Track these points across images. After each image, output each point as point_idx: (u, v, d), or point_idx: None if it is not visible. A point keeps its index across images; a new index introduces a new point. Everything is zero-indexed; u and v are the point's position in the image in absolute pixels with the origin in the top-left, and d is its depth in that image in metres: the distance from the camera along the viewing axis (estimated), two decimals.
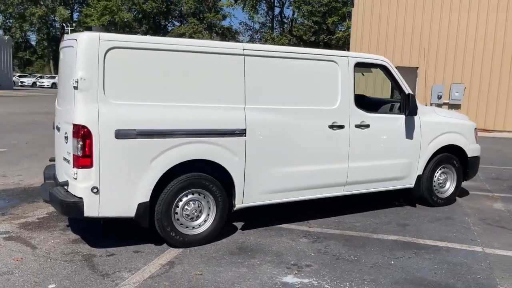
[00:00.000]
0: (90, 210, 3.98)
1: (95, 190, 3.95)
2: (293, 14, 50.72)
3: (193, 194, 4.44)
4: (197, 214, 4.48)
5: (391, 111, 5.90)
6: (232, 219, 5.26)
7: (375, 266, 4.18)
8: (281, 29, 53.34)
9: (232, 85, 4.53)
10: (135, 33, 52.61)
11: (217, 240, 4.64)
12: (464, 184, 6.85)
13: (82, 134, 3.87)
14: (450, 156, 6.18)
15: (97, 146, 3.91)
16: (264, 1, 52.42)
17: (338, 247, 4.61)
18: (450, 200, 6.29)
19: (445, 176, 6.22)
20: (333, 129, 5.10)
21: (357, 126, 5.27)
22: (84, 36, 3.94)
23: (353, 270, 4.06)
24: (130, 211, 4.14)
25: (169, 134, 4.19)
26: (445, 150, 6.11)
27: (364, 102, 5.89)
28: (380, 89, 17.25)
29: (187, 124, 4.28)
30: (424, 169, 5.93)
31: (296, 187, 5.00)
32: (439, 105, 16.81)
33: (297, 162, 4.93)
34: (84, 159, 3.90)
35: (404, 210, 6.00)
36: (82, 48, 3.90)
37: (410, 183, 5.86)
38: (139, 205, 4.14)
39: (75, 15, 63.53)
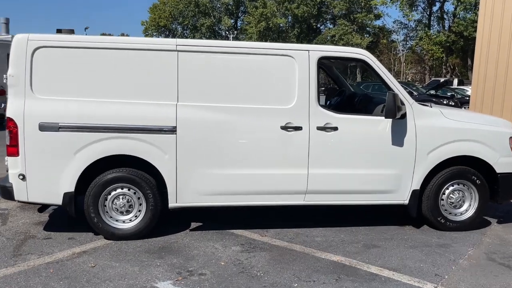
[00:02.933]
0: (19, 195, 4.39)
1: (21, 177, 4.35)
2: (455, 9, 45.96)
3: (122, 189, 4.53)
4: (126, 209, 4.55)
5: (382, 112, 5.05)
6: (192, 218, 5.19)
7: (271, 285, 3.68)
8: (440, 25, 48.90)
9: (163, 82, 4.46)
10: (288, 37, 54.45)
11: (151, 237, 4.63)
12: None
13: (10, 125, 4.30)
14: (467, 170, 4.97)
15: (22, 137, 4.30)
16: None
17: (260, 260, 4.17)
18: (467, 224, 5.05)
19: (461, 194, 5.03)
20: (287, 131, 4.60)
21: (321, 128, 4.65)
22: (16, 37, 4.37)
23: (240, 287, 3.65)
24: (57, 199, 4.43)
25: (93, 129, 4.36)
26: (460, 162, 4.96)
27: (352, 101, 5.16)
28: None
29: (112, 119, 4.38)
30: (424, 183, 4.91)
31: (241, 191, 4.66)
32: None
33: (240, 164, 4.60)
34: (11, 148, 4.33)
35: (396, 231, 5.06)
36: (13, 48, 4.33)
37: (401, 198, 4.91)
38: (65, 194, 4.40)
39: (239, 23, 68.59)
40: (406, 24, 51.59)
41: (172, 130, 4.45)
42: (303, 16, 54.33)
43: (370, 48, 47.52)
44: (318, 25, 59.61)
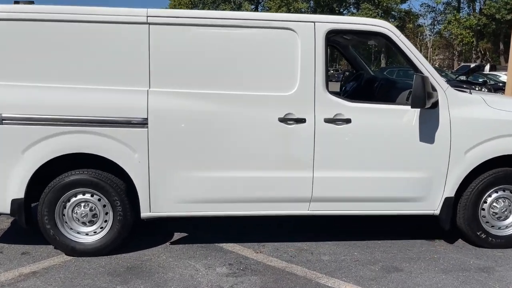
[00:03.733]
0: None
1: None
2: None
3: (83, 194, 3.70)
4: (89, 219, 3.73)
5: (407, 100, 4.07)
6: (176, 227, 4.34)
7: None
8: (470, 8, 46.53)
9: (132, 63, 3.58)
10: None
11: (122, 253, 3.81)
12: None
13: None
14: None
15: None
16: None
17: None
18: None
19: (507, 203, 4.02)
20: (286, 124, 3.67)
21: (329, 120, 3.70)
22: None
23: None
24: (4, 207, 3.63)
25: (44, 121, 3.51)
26: (507, 163, 3.95)
27: (370, 87, 4.19)
28: None
29: (67, 110, 3.53)
30: (460, 189, 3.92)
31: (230, 198, 3.77)
32: None
33: (228, 165, 3.70)
34: None
35: (423, 247, 4.09)
36: None
37: (431, 208, 3.93)
38: (13, 201, 3.60)
39: (259, 8, 67.13)
40: (434, 7, 49.41)
41: (143, 123, 3.58)
42: (325, 0, 52.59)
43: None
44: (341, 10, 57.62)
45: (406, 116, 3.78)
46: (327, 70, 3.72)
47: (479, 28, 43.13)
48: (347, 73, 6.37)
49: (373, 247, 4.08)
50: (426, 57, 52.65)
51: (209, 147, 3.66)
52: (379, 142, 3.77)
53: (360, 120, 3.74)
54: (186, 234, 4.27)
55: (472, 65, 26.81)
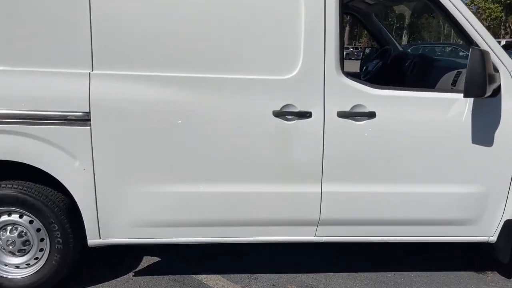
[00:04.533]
0: None
1: None
2: None
3: (9, 215, 2.74)
4: (19, 247, 2.77)
5: (455, 85, 2.96)
6: (146, 250, 3.37)
7: None
8: None
9: (65, 33, 2.55)
10: None
11: None
12: None
13: None
14: None
15: None
16: None
17: None
18: None
19: None
20: (284, 119, 2.63)
21: (345, 114, 2.63)
22: None
23: None
24: None
25: None
26: None
27: (400, 68, 3.09)
28: None
29: None
30: None
31: (207, 221, 2.77)
32: None
33: (204, 177, 2.68)
34: None
35: (469, 279, 3.04)
36: None
37: (484, 233, 2.86)
38: None
39: None
40: None
41: (83, 119, 2.57)
42: None
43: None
44: None
45: (454, 108, 2.68)
46: (342, 43, 2.63)
47: (508, 2, 40.79)
48: (368, 50, 5.23)
49: (402, 282, 3.04)
50: (451, 34, 50.30)
51: (177, 152, 2.64)
52: (414, 145, 2.69)
53: (388, 113, 2.66)
54: (155, 261, 3.30)
55: (503, 41, 25.05)
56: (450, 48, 17.57)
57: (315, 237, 2.85)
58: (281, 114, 2.62)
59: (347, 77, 2.65)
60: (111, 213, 2.71)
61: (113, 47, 2.56)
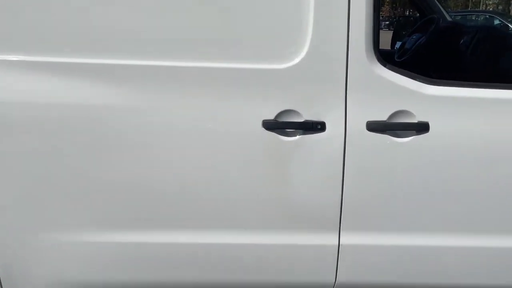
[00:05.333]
0: None
1: None
2: None
3: None
4: None
5: None
6: None
7: None
8: None
9: None
10: None
11: None
12: None
13: None
14: None
15: None
16: None
17: None
18: None
19: None
20: (282, 134, 1.64)
21: (379, 127, 1.63)
22: None
23: None
24: None
25: None
26: None
27: (455, 46, 2.06)
28: None
29: None
30: None
31: (160, 284, 1.84)
32: None
33: (159, 219, 1.73)
34: None
35: None
36: None
37: None
38: None
39: None
40: None
41: None
42: None
43: None
44: None
45: None
46: (378, 9, 1.60)
47: None
48: (401, 19, 4.07)
49: None
50: (479, 1, 47.60)
51: (113, 180, 1.69)
52: (491, 175, 1.69)
53: (450, 125, 1.65)
54: None
55: None
56: (483, 17, 16.00)
57: None
58: (276, 126, 1.63)
59: (385, 66, 1.62)
60: (15, 267, 1.80)
61: (17, 23, 1.58)
